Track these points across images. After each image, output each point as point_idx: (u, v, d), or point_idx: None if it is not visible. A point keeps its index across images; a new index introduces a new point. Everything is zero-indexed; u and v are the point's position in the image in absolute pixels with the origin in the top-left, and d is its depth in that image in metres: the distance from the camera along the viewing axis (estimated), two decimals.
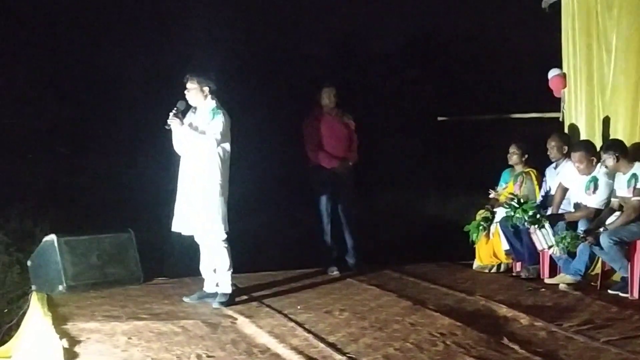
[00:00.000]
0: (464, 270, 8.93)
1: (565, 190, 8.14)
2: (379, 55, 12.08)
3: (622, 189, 7.44)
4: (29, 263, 8.04)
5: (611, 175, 7.64)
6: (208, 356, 5.59)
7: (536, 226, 7.88)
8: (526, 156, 8.82)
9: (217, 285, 7.33)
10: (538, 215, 7.90)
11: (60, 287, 7.82)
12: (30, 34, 11.23)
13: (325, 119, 8.96)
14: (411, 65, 11.98)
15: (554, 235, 7.72)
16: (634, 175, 7.34)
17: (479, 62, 11.63)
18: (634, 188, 7.30)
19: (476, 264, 8.99)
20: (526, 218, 7.93)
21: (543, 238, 7.86)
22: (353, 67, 11.69)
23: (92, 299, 7.50)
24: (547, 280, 8.07)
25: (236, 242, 7.43)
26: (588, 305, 6.97)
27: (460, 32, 11.91)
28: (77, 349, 5.73)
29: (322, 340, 5.89)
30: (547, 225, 7.85)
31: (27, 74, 11.12)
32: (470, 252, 9.05)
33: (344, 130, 9.00)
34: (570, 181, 8.05)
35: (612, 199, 7.62)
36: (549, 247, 7.83)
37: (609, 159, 7.46)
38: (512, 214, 8.06)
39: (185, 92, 7.23)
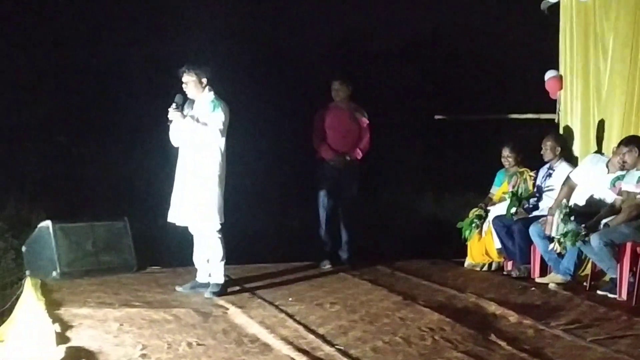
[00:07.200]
0: (456, 268, 8.97)
1: (572, 188, 8.00)
2: (377, 54, 12.12)
3: (630, 185, 7.36)
4: (23, 249, 8.07)
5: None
6: (198, 344, 5.63)
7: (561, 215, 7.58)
8: (520, 156, 8.87)
9: (209, 275, 7.38)
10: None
11: (54, 273, 7.87)
12: (30, 22, 11.26)
13: (333, 112, 8.84)
14: (410, 64, 12.01)
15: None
16: None
17: (478, 62, 11.67)
18: None
19: (468, 261, 9.03)
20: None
21: (557, 226, 7.63)
22: (353, 65, 11.71)
23: (86, 286, 7.55)
24: (538, 280, 8.12)
25: (231, 234, 7.49)
26: (576, 305, 7.01)
27: (458, 32, 11.96)
28: (69, 333, 5.78)
29: (312, 331, 5.94)
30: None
31: (27, 62, 11.15)
32: (463, 250, 9.11)
33: (352, 125, 8.85)
34: (593, 178, 7.87)
35: (616, 197, 7.54)
36: (558, 239, 7.56)
37: (630, 155, 7.42)
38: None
39: (183, 85, 7.25)
